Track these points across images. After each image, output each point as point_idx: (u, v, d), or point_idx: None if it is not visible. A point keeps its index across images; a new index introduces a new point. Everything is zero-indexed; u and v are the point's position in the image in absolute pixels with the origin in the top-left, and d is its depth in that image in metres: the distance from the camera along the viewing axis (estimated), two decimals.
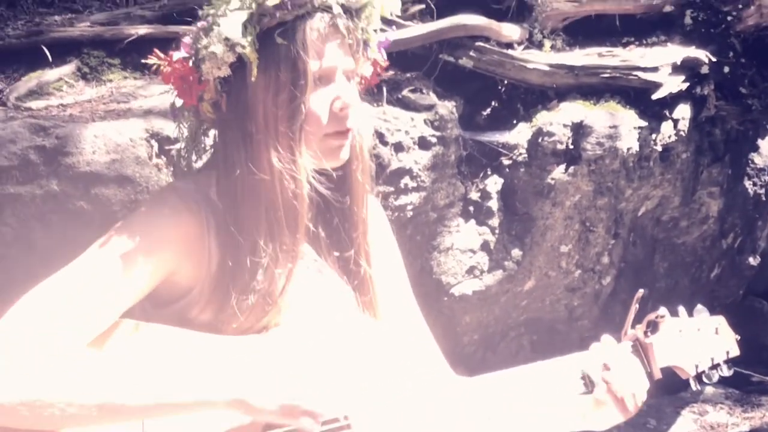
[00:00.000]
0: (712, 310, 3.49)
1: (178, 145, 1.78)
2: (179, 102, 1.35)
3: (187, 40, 1.31)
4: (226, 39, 1.25)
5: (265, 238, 1.28)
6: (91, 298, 1.20)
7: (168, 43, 2.35)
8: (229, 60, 1.27)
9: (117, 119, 1.82)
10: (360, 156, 1.41)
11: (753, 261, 3.23)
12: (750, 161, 2.89)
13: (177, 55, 1.31)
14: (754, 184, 2.95)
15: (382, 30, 1.41)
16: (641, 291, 1.54)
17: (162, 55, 1.30)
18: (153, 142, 1.80)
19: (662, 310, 1.56)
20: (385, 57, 1.45)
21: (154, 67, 1.31)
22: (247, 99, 1.29)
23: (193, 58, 1.30)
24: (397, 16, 1.51)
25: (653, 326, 1.53)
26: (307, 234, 1.38)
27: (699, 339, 1.56)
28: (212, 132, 1.44)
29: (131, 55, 2.31)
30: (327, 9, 1.30)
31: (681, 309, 1.60)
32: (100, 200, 1.67)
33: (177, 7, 2.41)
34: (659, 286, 2.92)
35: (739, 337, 1.60)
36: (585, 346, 2.97)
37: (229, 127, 1.31)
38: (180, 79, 1.28)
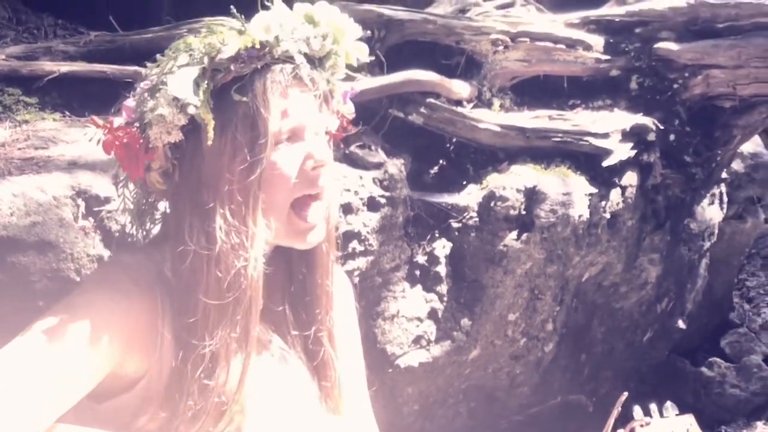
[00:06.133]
0: (639, 371, 3.47)
1: (109, 207, 1.59)
2: (122, 172, 1.17)
3: (129, 103, 1.14)
4: (175, 99, 1.08)
5: (214, 326, 1.11)
6: (18, 405, 1.00)
7: (93, 82, 2.17)
8: (180, 123, 1.10)
9: (38, 173, 1.60)
10: (326, 223, 1.26)
11: (682, 324, 3.24)
12: (686, 227, 2.90)
13: (118, 120, 1.14)
14: (689, 250, 2.95)
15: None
16: (625, 394, 1.47)
17: (100, 122, 1.12)
18: (79, 201, 1.59)
19: (638, 413, 1.49)
20: (353, 109, 1.32)
21: (96, 140, 1.13)
22: (200, 165, 1.13)
23: (138, 124, 1.13)
24: (348, 67, 1.37)
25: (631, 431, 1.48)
26: (269, 314, 1.23)
27: None
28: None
29: (51, 94, 2.08)
30: (288, 60, 1.15)
31: (653, 406, 1.54)
32: (16, 269, 1.45)
33: (105, 44, 2.22)
34: (596, 351, 2.87)
35: None
36: (523, 414, 2.88)
37: (181, 198, 1.14)
38: (124, 148, 1.10)
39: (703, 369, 3.41)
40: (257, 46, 1.13)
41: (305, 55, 1.17)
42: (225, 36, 1.13)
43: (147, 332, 1.12)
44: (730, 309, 3.62)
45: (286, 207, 1.17)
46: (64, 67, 2.07)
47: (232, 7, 1.18)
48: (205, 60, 1.11)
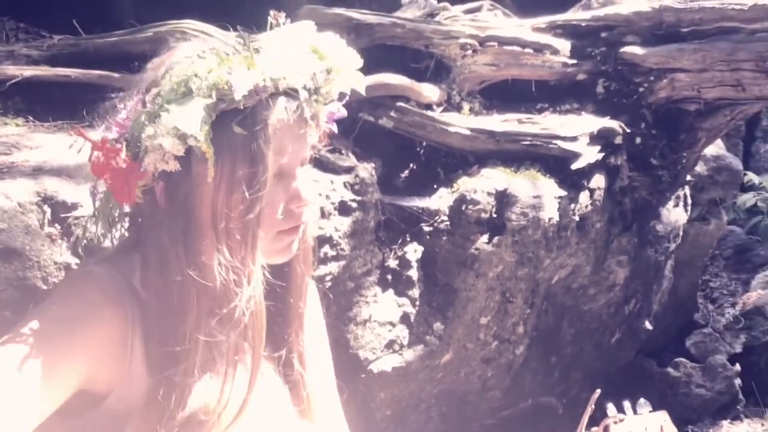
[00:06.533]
0: (608, 373, 3.49)
1: (77, 213, 1.56)
2: (101, 186, 1.13)
3: (122, 119, 1.10)
4: (176, 129, 1.05)
5: (206, 358, 1.09)
6: None
7: (57, 87, 2.12)
8: (178, 153, 1.07)
9: (2, 179, 1.56)
10: (303, 243, 1.25)
11: (649, 325, 3.28)
12: (652, 229, 2.93)
13: (99, 134, 1.10)
14: (656, 251, 2.99)
15: None
16: (598, 391, 1.47)
17: (88, 136, 1.08)
18: (46, 207, 1.55)
19: (611, 410, 1.49)
20: (336, 130, 1.30)
21: (77, 148, 1.09)
22: (190, 191, 1.09)
23: (131, 145, 1.09)
24: None
25: (605, 429, 1.48)
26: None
27: None
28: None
29: (13, 99, 2.03)
30: (291, 92, 1.12)
31: (626, 404, 1.55)
32: None
33: (68, 47, 2.16)
34: (565, 353, 2.89)
35: None
36: (494, 417, 2.88)
37: (166, 222, 1.10)
38: (115, 171, 1.07)
39: (670, 369, 3.45)
40: (268, 83, 1.09)
41: (308, 89, 1.13)
42: (233, 66, 1.08)
43: (117, 345, 1.09)
44: (695, 310, 3.67)
45: (269, 239, 1.15)
46: (27, 71, 2.02)
47: (239, 28, 1.15)
48: (213, 93, 1.07)
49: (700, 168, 3.28)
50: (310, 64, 1.13)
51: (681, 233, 3.15)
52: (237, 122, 1.07)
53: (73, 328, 1.06)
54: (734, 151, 4.33)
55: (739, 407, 3.41)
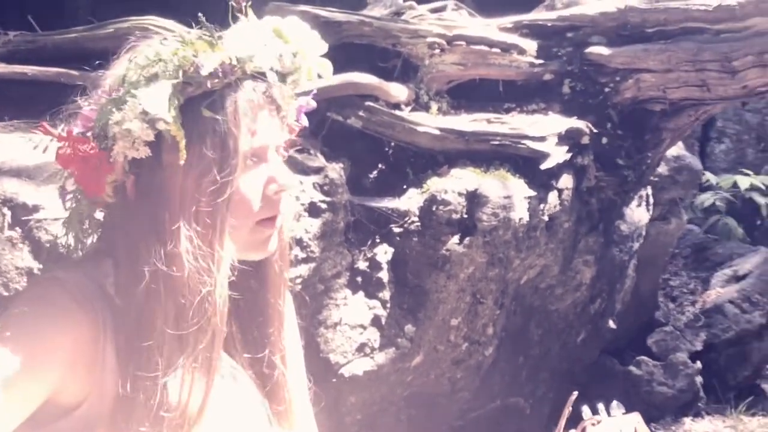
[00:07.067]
0: (573, 372, 3.50)
1: (38, 215, 1.49)
2: (71, 185, 1.08)
3: (87, 111, 1.06)
4: (144, 113, 1.01)
5: (174, 355, 1.05)
6: None
7: (13, 84, 2.04)
8: (148, 138, 1.03)
9: None
10: (280, 238, 1.21)
11: (612, 324, 3.31)
12: (617, 228, 2.95)
13: (74, 130, 1.05)
14: (620, 251, 3.01)
15: None
16: (575, 393, 1.46)
17: (54, 131, 1.03)
18: (5, 210, 1.48)
19: (587, 412, 1.49)
20: (307, 123, 1.27)
21: (42, 148, 1.04)
22: (161, 181, 1.05)
23: (98, 135, 1.04)
24: None
25: (583, 431, 1.47)
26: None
27: None
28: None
29: None
30: (259, 76, 1.10)
31: (600, 406, 1.54)
32: None
33: (25, 44, 2.09)
34: (533, 354, 2.89)
35: None
36: (464, 418, 2.87)
37: (137, 215, 1.06)
38: (82, 162, 1.02)
39: (632, 368, 3.48)
40: (234, 62, 1.07)
41: (276, 72, 1.11)
42: (197, 48, 1.06)
43: (89, 353, 1.05)
44: (656, 308, 3.72)
45: (247, 229, 1.11)
46: None
47: (200, 15, 1.11)
48: (180, 74, 1.04)
49: (661, 168, 3.31)
50: (275, 46, 1.10)
51: (644, 233, 3.19)
52: (206, 106, 1.05)
53: (43, 336, 1.00)
54: (690, 151, 4.40)
55: (700, 404, 3.46)
